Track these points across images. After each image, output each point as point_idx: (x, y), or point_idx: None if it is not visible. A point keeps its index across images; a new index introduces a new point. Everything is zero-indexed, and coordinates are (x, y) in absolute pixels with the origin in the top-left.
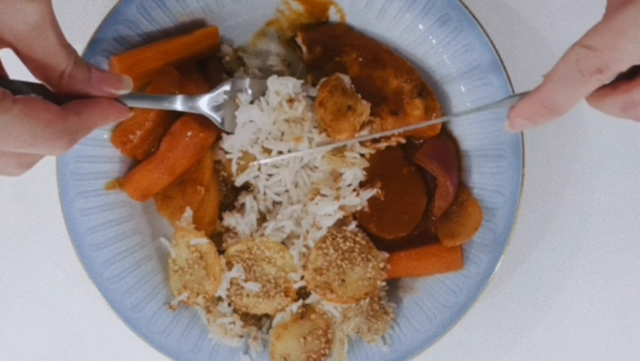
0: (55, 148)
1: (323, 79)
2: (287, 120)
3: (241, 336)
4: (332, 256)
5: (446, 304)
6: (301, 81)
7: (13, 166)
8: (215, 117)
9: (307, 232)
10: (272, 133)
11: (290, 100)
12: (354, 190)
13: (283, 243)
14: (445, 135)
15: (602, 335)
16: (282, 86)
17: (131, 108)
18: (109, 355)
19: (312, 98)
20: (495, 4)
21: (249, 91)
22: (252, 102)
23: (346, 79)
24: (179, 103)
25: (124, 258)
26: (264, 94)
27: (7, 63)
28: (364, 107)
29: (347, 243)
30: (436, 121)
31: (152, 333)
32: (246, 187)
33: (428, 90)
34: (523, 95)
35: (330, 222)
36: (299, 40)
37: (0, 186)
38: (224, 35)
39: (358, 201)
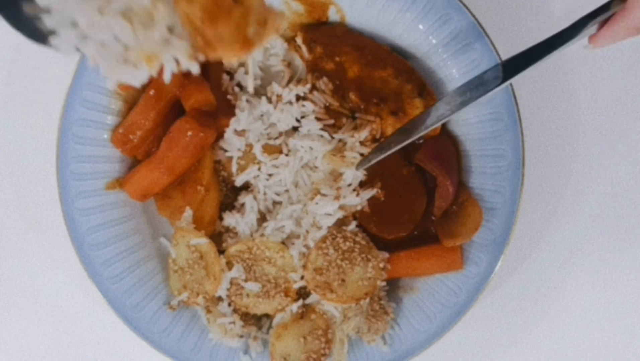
0: None
1: None
2: (126, 16)
3: (241, 336)
4: (332, 256)
5: (446, 304)
6: None
7: None
8: None
9: (307, 231)
10: (109, 46)
11: None
12: (354, 190)
13: (283, 243)
14: (445, 135)
15: (602, 335)
16: None
17: None
18: (109, 355)
19: None
20: (495, 4)
21: None
22: None
23: None
24: None
25: (124, 258)
26: None
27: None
28: (274, 14)
29: (347, 243)
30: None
31: (152, 333)
32: (246, 187)
33: (428, 90)
34: (595, 20)
35: (330, 221)
36: (299, 40)
37: (0, 186)
38: None
39: (358, 201)
